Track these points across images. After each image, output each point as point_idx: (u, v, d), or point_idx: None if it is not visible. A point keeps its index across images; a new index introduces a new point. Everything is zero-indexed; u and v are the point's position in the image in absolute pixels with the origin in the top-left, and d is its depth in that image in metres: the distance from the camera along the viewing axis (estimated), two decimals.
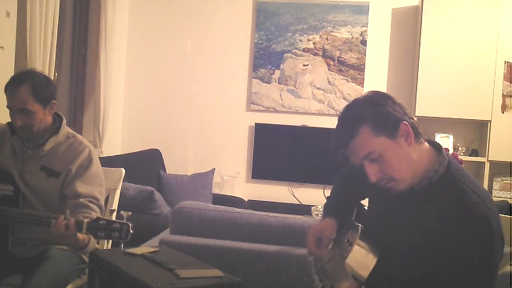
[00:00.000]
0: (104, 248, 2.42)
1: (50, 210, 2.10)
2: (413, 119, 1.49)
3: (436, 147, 1.53)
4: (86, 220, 1.90)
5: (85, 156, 2.22)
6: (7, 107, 2.15)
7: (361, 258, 1.48)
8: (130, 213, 2.98)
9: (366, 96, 1.51)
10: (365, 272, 1.45)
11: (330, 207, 1.83)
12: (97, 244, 2.35)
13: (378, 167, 1.45)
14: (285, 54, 5.01)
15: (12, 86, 2.12)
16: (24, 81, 2.12)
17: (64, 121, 2.29)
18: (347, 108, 1.51)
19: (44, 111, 2.16)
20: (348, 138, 1.45)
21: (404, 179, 1.46)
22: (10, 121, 2.23)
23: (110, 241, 2.45)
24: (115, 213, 2.46)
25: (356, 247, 1.49)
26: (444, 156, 1.49)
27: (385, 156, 1.43)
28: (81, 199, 2.13)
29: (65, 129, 2.28)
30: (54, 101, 2.20)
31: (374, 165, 1.45)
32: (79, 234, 1.90)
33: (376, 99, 1.48)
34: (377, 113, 1.44)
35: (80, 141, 2.27)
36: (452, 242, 1.37)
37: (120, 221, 1.90)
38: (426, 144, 1.52)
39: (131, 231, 1.87)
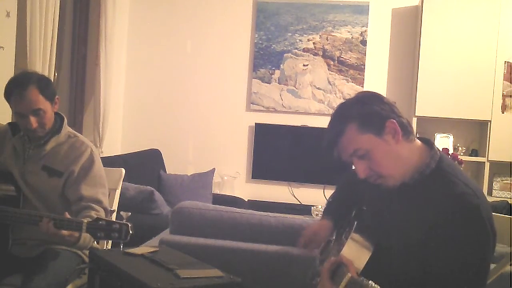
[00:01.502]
0: (104, 248, 2.42)
1: (50, 210, 2.10)
2: (402, 117, 1.52)
3: (428, 143, 1.57)
4: (85, 221, 1.90)
5: (87, 157, 2.23)
6: (16, 112, 2.13)
7: (355, 251, 1.50)
8: (129, 213, 2.98)
9: (355, 96, 1.57)
10: (358, 264, 1.46)
11: (329, 209, 1.89)
12: (97, 244, 2.36)
13: (366, 163, 1.49)
14: (285, 54, 5.01)
15: (18, 90, 2.09)
16: (29, 82, 2.11)
17: (66, 121, 2.30)
18: (337, 108, 1.58)
19: (52, 108, 2.18)
20: (336, 136, 1.51)
21: (392, 175, 1.50)
22: (10, 121, 2.23)
23: (110, 242, 2.45)
24: (114, 214, 2.47)
25: (350, 240, 1.52)
26: (435, 151, 1.53)
27: (372, 153, 1.48)
28: (83, 203, 2.14)
29: (67, 129, 2.28)
30: (57, 96, 2.22)
31: (363, 162, 1.50)
32: (63, 231, 1.92)
33: (364, 99, 1.54)
34: (364, 112, 1.49)
35: (81, 141, 2.28)
36: (444, 233, 1.39)
37: (120, 221, 1.90)
38: (418, 141, 1.56)
39: (131, 232, 1.87)
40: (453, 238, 1.38)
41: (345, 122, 1.50)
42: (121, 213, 2.69)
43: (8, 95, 2.13)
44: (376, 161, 1.48)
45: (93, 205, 2.14)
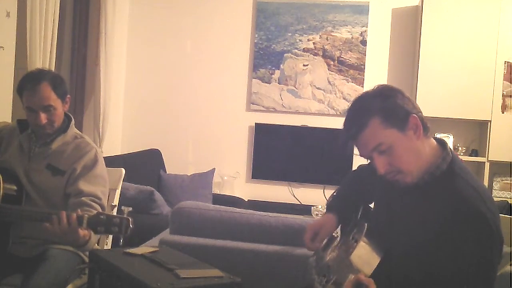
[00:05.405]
0: (105, 247, 2.42)
1: (52, 209, 2.09)
2: (421, 113, 1.50)
3: (441, 143, 1.55)
4: (86, 215, 1.90)
5: (91, 157, 2.23)
6: (27, 106, 2.14)
7: (366, 255, 1.48)
8: (130, 208, 2.98)
9: (376, 89, 1.52)
10: (368, 270, 1.45)
11: (333, 204, 1.84)
12: (97, 244, 2.36)
13: (387, 159, 1.46)
14: (285, 54, 5.01)
15: (31, 85, 2.11)
16: (43, 78, 2.12)
17: (73, 121, 2.31)
18: (357, 100, 1.53)
19: (63, 106, 2.20)
20: (358, 130, 1.46)
21: (411, 172, 1.47)
22: (19, 119, 2.23)
23: (110, 240, 2.45)
24: (116, 208, 2.47)
25: (361, 243, 1.50)
26: (448, 152, 1.51)
27: (395, 148, 1.45)
28: (83, 198, 2.13)
29: (73, 129, 2.29)
30: (69, 95, 2.23)
31: (383, 157, 1.46)
32: (80, 230, 1.89)
33: (386, 92, 1.50)
34: (387, 105, 1.46)
35: (87, 142, 2.29)
36: (451, 238, 1.38)
37: (120, 216, 1.90)
38: (433, 140, 1.54)
39: (131, 226, 1.87)
40: (459, 244, 1.36)
41: (368, 116, 1.45)
42: (122, 208, 2.68)
43: (20, 89, 2.14)
44: (397, 157, 1.45)
45: (91, 202, 2.13)
